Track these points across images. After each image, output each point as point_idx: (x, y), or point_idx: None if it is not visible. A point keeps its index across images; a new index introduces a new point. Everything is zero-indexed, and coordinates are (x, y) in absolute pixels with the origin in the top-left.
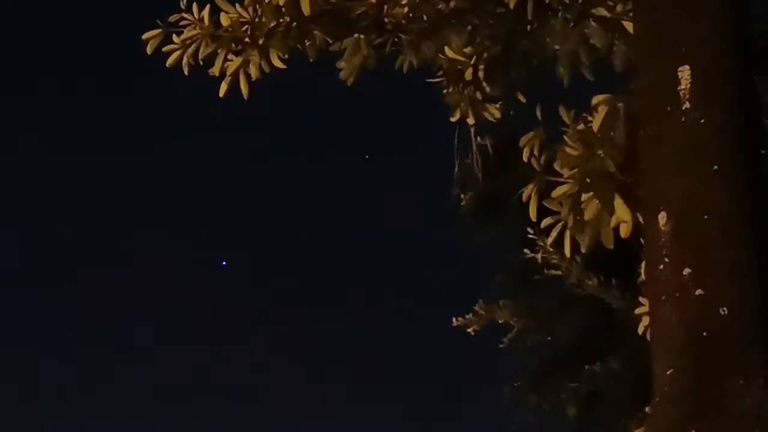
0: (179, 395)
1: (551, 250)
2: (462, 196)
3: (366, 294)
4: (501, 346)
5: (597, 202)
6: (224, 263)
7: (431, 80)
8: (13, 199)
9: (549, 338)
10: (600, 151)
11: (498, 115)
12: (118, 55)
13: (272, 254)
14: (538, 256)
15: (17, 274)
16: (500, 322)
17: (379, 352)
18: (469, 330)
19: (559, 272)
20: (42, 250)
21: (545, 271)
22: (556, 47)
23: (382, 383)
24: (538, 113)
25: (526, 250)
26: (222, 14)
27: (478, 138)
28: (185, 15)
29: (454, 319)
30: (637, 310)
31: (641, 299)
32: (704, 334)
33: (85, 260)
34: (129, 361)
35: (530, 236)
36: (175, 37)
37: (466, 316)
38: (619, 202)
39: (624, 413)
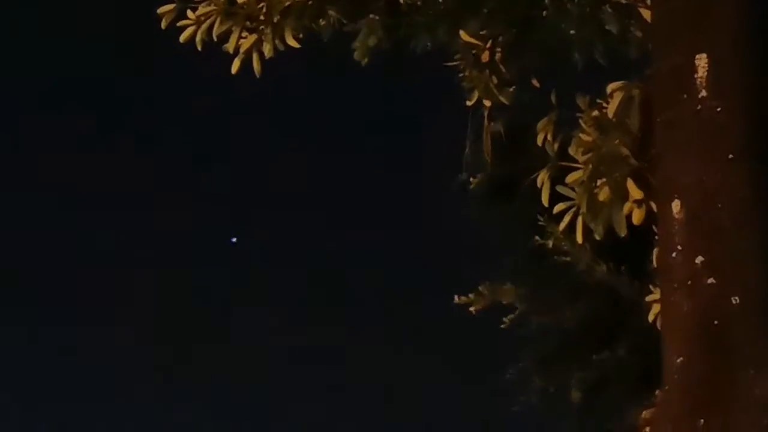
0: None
1: (562, 236)
2: (471, 180)
3: (369, 277)
4: (502, 326)
5: (610, 187)
6: (232, 240)
7: (448, 64)
8: None
9: (556, 323)
10: (615, 138)
11: (512, 99)
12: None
13: (274, 238)
14: (549, 242)
15: None
16: (504, 303)
17: (381, 337)
18: (471, 309)
19: (569, 258)
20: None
21: (555, 257)
22: (572, 32)
23: (385, 367)
24: (553, 98)
25: (537, 237)
26: None
27: (492, 123)
28: None
29: (456, 297)
30: (648, 298)
31: (652, 287)
32: (715, 322)
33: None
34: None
35: (540, 222)
36: (189, 13)
37: (469, 295)
38: (631, 185)
39: (632, 401)
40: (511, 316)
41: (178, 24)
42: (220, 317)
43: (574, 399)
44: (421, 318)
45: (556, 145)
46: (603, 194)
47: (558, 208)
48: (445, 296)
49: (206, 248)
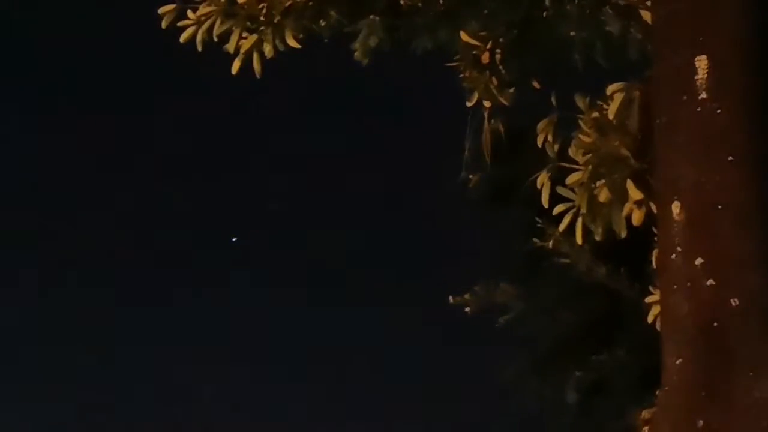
0: None
1: (561, 237)
2: (470, 177)
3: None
4: (497, 326)
5: (609, 188)
6: (233, 240)
7: (449, 64)
8: None
9: (554, 324)
10: (614, 139)
11: (512, 100)
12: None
13: (274, 238)
14: (548, 243)
15: None
16: (499, 302)
17: (381, 337)
18: (465, 310)
19: (568, 260)
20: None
21: (554, 258)
22: (572, 33)
23: (385, 367)
24: (554, 100)
25: (535, 239)
26: None
27: (491, 121)
28: None
29: (450, 298)
30: (648, 299)
31: (651, 288)
32: (714, 324)
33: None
34: None
35: (539, 224)
36: (189, 13)
37: (464, 296)
38: (631, 186)
39: (631, 402)
40: (508, 316)
41: (179, 24)
42: (220, 317)
43: (569, 400)
44: (421, 318)
45: (556, 147)
46: (603, 195)
47: (558, 209)
48: (444, 297)
49: (206, 248)
